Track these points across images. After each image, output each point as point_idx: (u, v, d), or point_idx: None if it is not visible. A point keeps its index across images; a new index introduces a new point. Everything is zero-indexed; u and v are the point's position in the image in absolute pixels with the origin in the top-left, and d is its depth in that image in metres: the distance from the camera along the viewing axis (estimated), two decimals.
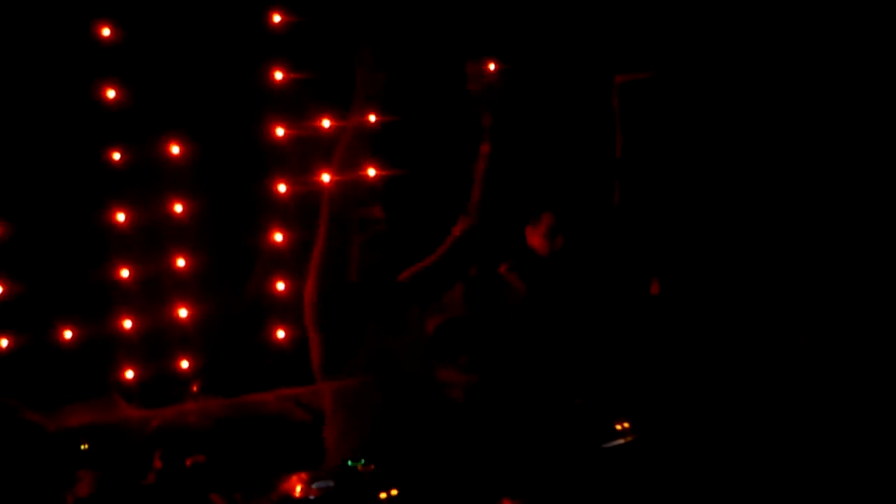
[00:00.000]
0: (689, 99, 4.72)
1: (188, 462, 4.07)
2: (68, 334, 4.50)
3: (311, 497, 2.81)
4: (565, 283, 4.31)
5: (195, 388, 4.62)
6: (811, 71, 4.59)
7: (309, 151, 4.71)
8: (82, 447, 3.98)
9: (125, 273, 4.58)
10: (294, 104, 4.72)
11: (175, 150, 4.64)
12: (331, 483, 2.86)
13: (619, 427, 3.17)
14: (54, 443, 3.50)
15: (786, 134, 4.58)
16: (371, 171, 4.39)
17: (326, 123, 4.74)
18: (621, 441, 3.12)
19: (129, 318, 4.60)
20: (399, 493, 2.79)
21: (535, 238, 4.42)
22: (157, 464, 4.04)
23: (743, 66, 4.66)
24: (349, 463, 2.99)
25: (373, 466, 2.96)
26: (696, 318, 4.10)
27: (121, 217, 4.57)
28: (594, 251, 4.48)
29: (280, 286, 4.75)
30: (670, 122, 4.72)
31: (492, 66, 4.69)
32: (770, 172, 4.53)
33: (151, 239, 4.63)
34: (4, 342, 4.38)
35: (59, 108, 4.45)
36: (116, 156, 4.55)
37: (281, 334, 4.76)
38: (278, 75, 4.73)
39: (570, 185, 4.77)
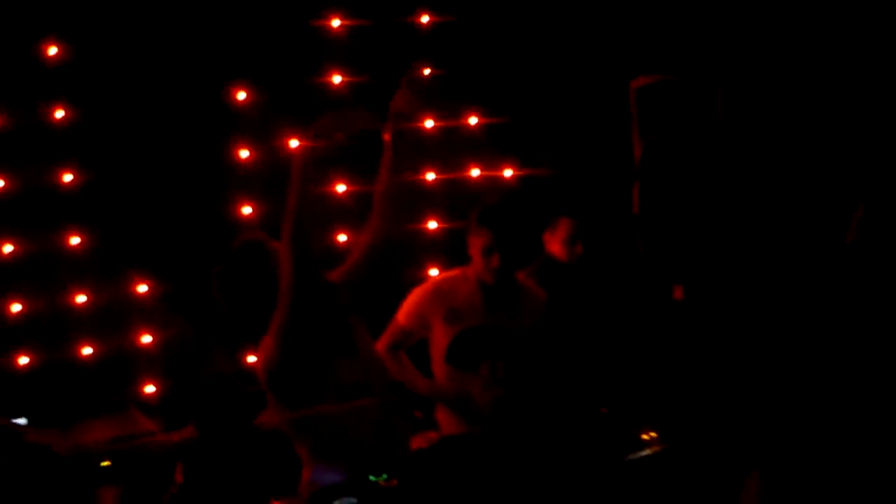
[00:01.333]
0: (707, 102, 4.67)
1: (211, 475, 4.04)
2: (87, 350, 4.52)
3: None
4: (586, 290, 4.27)
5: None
6: (831, 75, 4.53)
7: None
8: (103, 464, 3.96)
9: (143, 288, 4.60)
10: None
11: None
12: (354, 500, 2.82)
13: (645, 437, 3.11)
14: (68, 463, 3.48)
15: (807, 136, 4.52)
16: None
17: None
18: (648, 452, 3.05)
19: (148, 332, 4.61)
20: None
21: (554, 244, 4.37)
22: (179, 478, 4.03)
23: (761, 68, 4.61)
24: (371, 478, 2.94)
25: (395, 482, 2.92)
26: (721, 323, 4.04)
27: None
28: (615, 257, 4.44)
29: None
30: (689, 126, 4.67)
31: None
32: (791, 174, 4.47)
33: (173, 253, 4.66)
34: (24, 360, 4.40)
35: None
36: None
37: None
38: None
39: (588, 191, 4.74)
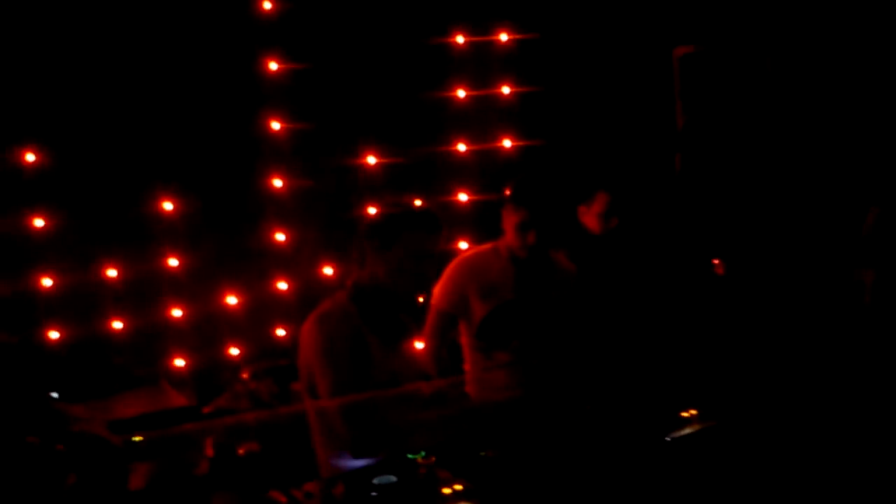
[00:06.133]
0: (751, 71, 4.52)
1: (241, 450, 4.03)
2: (118, 325, 4.50)
3: (373, 494, 2.72)
4: (620, 263, 4.19)
5: (245, 376, 4.60)
6: (875, 47, 4.36)
7: None
8: (135, 439, 3.94)
9: (174, 262, 4.55)
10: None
11: None
12: (392, 478, 2.78)
13: (685, 415, 3.03)
14: (114, 447, 3.47)
15: (851, 107, 4.38)
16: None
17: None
18: (688, 430, 2.98)
19: (178, 306, 4.58)
20: (465, 488, 2.70)
21: (589, 218, 4.28)
22: (209, 452, 4.01)
23: (804, 36, 4.46)
24: (409, 455, 2.90)
25: (434, 459, 2.88)
26: (764, 297, 3.94)
27: (168, 206, 4.53)
28: (652, 230, 4.34)
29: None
30: (732, 94, 4.53)
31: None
32: (835, 146, 4.34)
33: (199, 226, 4.61)
34: (55, 334, 4.38)
35: None
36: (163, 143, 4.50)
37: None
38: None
39: (627, 162, 4.63)
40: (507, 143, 4.94)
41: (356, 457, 2.96)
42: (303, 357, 3.08)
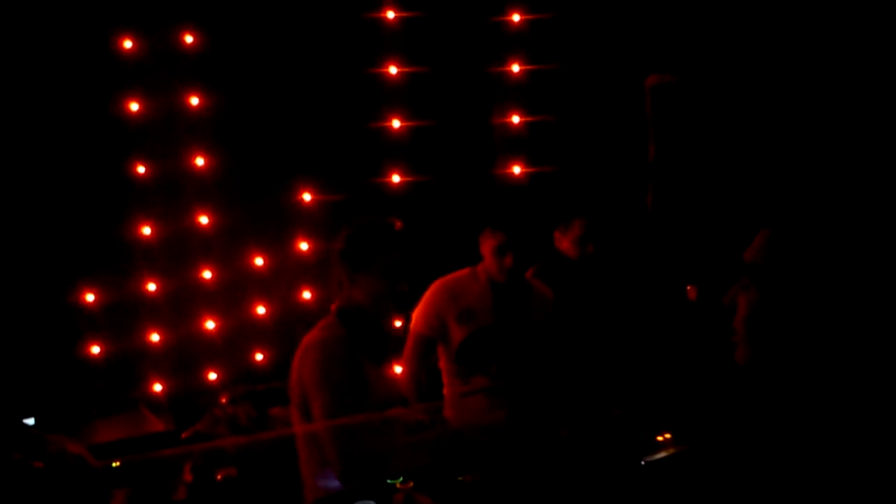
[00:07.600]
0: (722, 101, 4.63)
1: (219, 475, 4.03)
2: (95, 349, 4.50)
3: None
4: (595, 289, 4.25)
5: (224, 401, 4.61)
6: (845, 74, 4.49)
7: None
8: (114, 464, 3.94)
9: (152, 286, 4.57)
10: None
11: (200, 161, 4.63)
12: (371, 503, 2.81)
13: (660, 439, 3.09)
14: (95, 471, 3.47)
15: (821, 134, 4.49)
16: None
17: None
18: (664, 454, 3.03)
19: (156, 331, 4.59)
20: None
21: (565, 243, 4.35)
22: (188, 477, 4.01)
23: (775, 66, 4.58)
24: (388, 481, 2.93)
25: (412, 483, 2.91)
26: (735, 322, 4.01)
27: (146, 230, 4.55)
28: (626, 256, 4.41)
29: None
30: (704, 125, 4.64)
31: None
32: (807, 173, 4.44)
33: (177, 251, 4.62)
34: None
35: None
36: (141, 169, 4.53)
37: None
38: None
39: (602, 189, 4.71)
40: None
41: (344, 481, 2.96)
42: (297, 382, 3.06)
